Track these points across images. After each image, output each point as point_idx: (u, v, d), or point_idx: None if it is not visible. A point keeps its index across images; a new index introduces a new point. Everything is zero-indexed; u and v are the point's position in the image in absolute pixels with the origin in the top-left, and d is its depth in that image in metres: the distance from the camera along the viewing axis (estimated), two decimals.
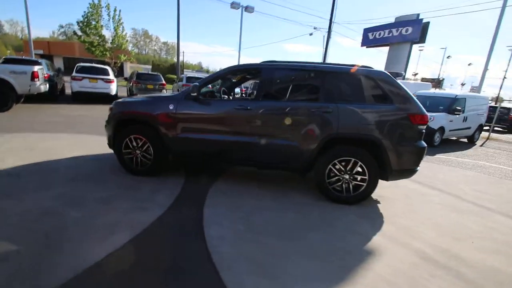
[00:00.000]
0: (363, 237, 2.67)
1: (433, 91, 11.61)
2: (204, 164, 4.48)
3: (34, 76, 7.63)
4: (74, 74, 10.74)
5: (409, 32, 18.71)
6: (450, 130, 8.44)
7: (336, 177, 3.32)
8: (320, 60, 20.66)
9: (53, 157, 4.08)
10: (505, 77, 32.61)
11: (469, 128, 9.31)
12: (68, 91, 11.95)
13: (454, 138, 9.59)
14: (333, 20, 17.94)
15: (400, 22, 19.34)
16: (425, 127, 3.28)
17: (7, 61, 9.67)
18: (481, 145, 9.74)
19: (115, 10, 20.83)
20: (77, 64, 11.44)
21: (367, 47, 22.55)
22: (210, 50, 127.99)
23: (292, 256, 2.24)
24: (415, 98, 3.29)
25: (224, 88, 4.65)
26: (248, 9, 21.60)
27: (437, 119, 7.86)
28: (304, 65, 3.53)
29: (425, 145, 3.31)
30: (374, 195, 3.55)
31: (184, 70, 35.78)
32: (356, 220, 3.01)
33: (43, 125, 6.22)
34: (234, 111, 3.43)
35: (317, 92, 3.39)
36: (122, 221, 2.54)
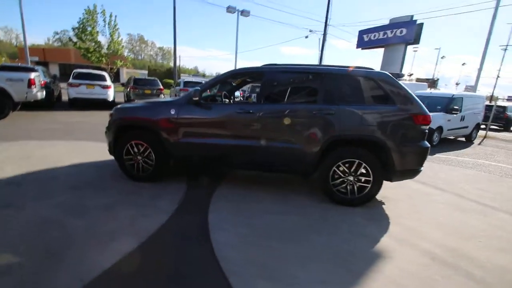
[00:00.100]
0: (370, 239, 2.65)
1: (429, 91, 11.69)
2: (206, 168, 4.45)
3: (30, 83, 7.56)
4: (71, 80, 10.66)
5: (403, 33, 18.88)
6: (448, 130, 8.49)
7: (341, 179, 3.31)
8: (316, 62, 20.77)
9: (52, 164, 4.02)
10: (498, 76, 33.03)
11: (466, 127, 9.38)
12: (64, 97, 11.88)
13: (452, 137, 9.64)
14: (328, 22, 18.12)
15: (394, 24, 19.52)
16: (427, 127, 3.29)
17: (3, 68, 9.54)
18: (479, 144, 9.81)
19: (110, 16, 20.83)
20: (74, 70, 11.36)
21: (362, 49, 22.67)
22: (205, 54, 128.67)
23: (302, 260, 2.22)
24: (417, 98, 3.30)
25: (225, 92, 4.63)
26: (244, 13, 21.63)
27: (435, 118, 7.86)
28: (306, 68, 3.53)
29: (429, 145, 3.31)
30: (378, 196, 3.53)
31: (181, 74, 35.75)
32: (361, 222, 2.99)
33: (40, 132, 6.14)
34: (236, 115, 3.41)
35: (319, 94, 3.38)
36: (127, 228, 2.50)
